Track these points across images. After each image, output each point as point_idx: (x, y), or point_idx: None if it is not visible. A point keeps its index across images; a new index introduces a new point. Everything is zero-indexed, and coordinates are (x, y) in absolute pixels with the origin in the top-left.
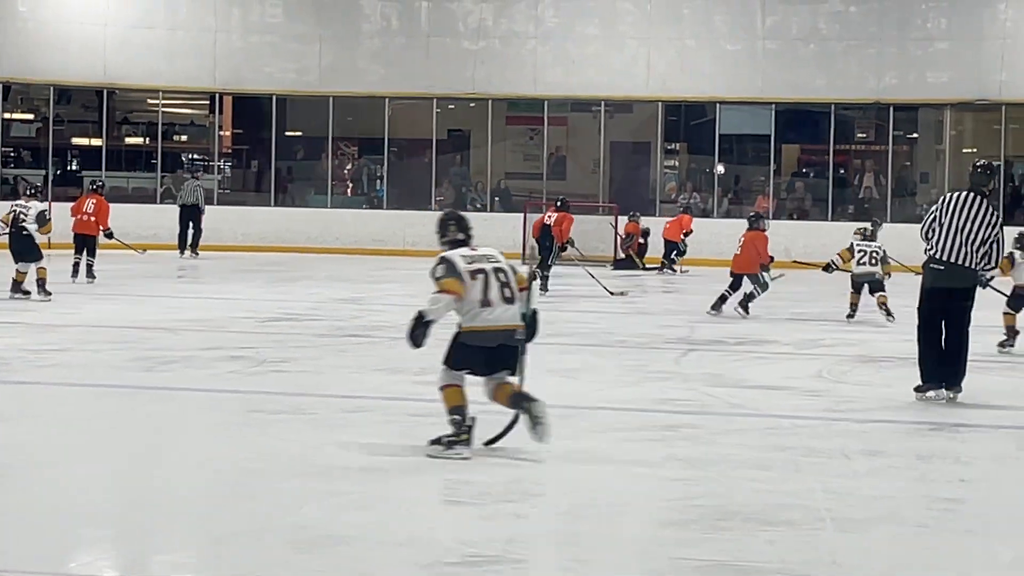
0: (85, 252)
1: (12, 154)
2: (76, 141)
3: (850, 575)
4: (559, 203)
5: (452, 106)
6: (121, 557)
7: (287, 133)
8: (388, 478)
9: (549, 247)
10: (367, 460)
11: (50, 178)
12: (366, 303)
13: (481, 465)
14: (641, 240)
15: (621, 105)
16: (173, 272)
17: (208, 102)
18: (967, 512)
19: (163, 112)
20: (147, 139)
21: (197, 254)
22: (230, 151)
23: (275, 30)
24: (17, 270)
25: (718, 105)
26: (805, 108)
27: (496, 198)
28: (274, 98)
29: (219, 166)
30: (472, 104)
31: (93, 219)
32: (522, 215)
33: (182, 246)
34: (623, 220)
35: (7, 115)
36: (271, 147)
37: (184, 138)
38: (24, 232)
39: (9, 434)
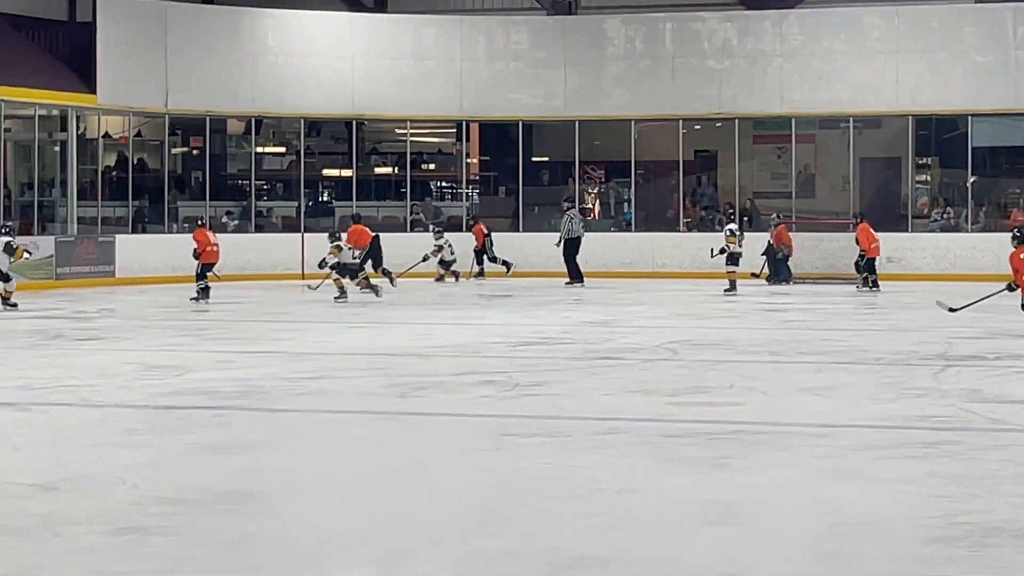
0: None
1: (265, 187)
2: (327, 172)
3: None
4: None
5: (698, 126)
6: None
7: (533, 158)
8: (643, 499)
9: None
10: (622, 481)
11: (302, 210)
12: (616, 326)
13: (737, 484)
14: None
15: (870, 120)
16: (424, 299)
17: (455, 130)
18: None
19: (411, 141)
20: (396, 168)
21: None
22: (477, 178)
23: (520, 56)
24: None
25: (970, 118)
26: None
27: (745, 218)
28: (520, 124)
29: (467, 193)
30: (718, 124)
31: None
32: (769, 234)
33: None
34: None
35: (259, 148)
36: (518, 173)
37: (432, 166)
38: None
39: (268, 461)
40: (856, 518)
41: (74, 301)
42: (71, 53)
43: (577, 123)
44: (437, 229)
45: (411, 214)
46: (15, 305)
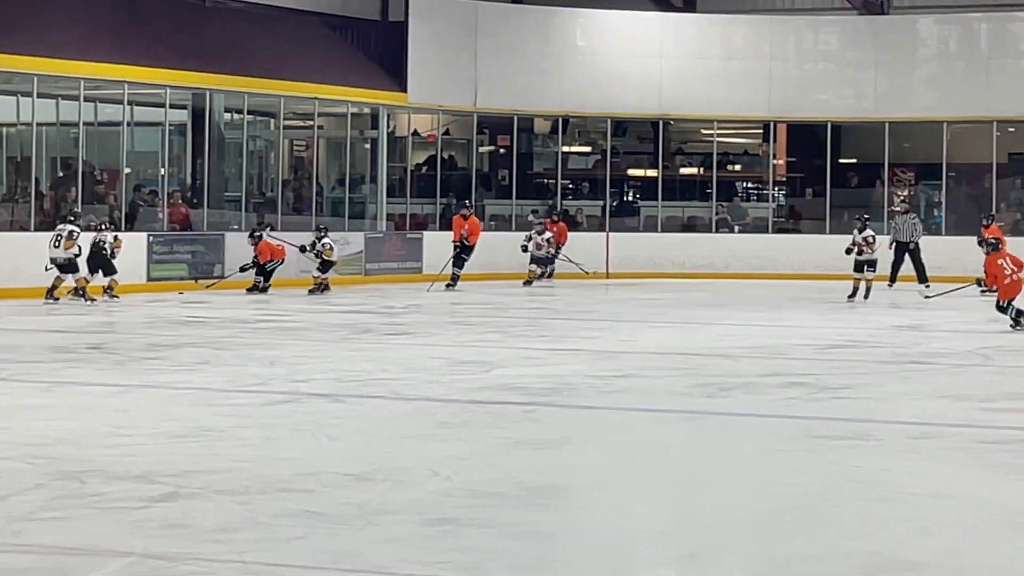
0: None
1: (570, 186)
2: (631, 172)
3: None
4: None
5: (1012, 129)
6: None
7: (841, 160)
8: (959, 505)
9: None
10: (936, 486)
11: (608, 209)
12: (927, 330)
13: None
14: None
15: None
16: (719, 300)
17: (762, 130)
18: None
19: (717, 141)
20: (701, 169)
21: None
22: (784, 179)
23: (830, 57)
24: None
25: None
26: None
27: None
28: (828, 125)
29: (773, 194)
30: None
31: None
32: None
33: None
34: None
35: (566, 148)
36: (826, 174)
37: (738, 167)
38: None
39: (577, 457)
40: None
41: (382, 296)
42: (383, 52)
43: (887, 125)
44: (539, 221)
45: (716, 215)
46: (117, 297)
